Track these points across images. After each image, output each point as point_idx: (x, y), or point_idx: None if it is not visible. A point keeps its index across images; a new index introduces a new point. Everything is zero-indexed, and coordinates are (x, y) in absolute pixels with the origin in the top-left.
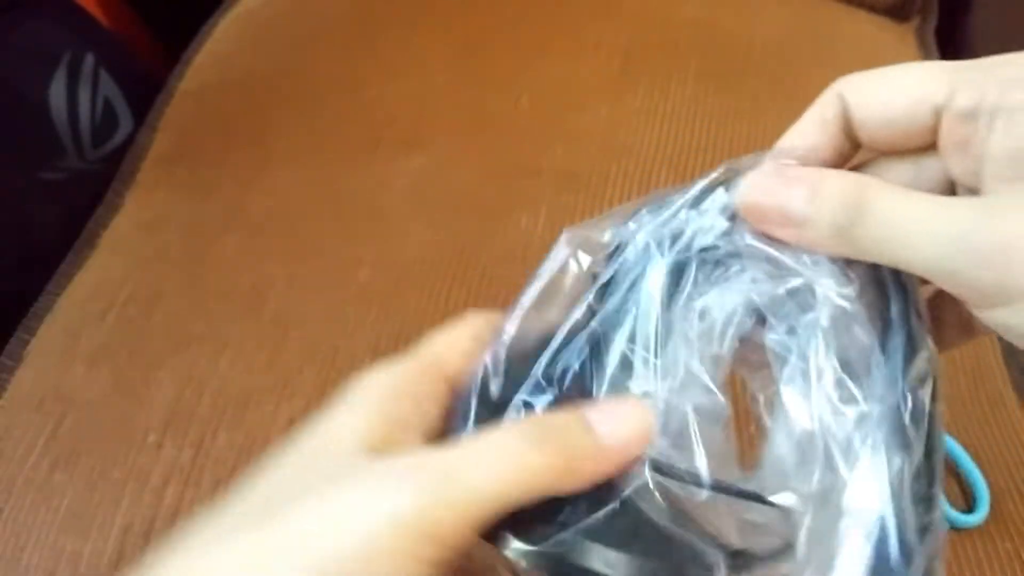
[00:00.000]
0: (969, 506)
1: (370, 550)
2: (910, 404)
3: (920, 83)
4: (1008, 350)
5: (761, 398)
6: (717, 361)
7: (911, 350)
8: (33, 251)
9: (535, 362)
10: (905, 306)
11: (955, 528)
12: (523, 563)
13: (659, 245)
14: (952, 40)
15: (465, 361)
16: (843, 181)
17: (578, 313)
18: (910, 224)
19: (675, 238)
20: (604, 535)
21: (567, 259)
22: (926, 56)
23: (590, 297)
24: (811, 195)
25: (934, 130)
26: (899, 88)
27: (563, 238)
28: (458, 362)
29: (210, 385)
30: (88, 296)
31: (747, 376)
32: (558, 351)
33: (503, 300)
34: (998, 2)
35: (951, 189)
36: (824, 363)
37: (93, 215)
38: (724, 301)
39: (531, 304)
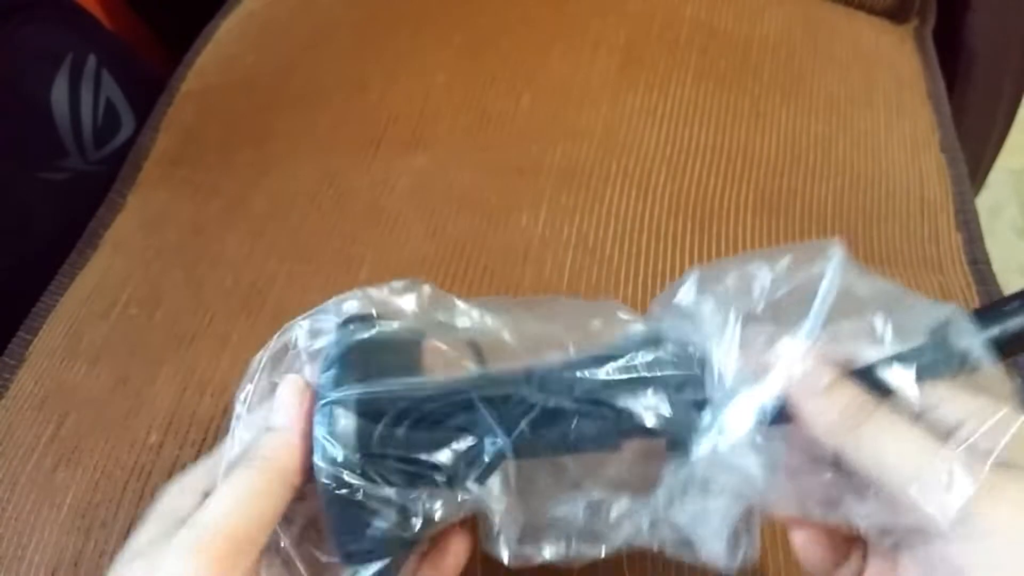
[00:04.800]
0: None
1: None
2: None
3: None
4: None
5: None
6: None
7: None
8: (35, 251)
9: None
10: None
11: None
12: None
13: None
14: (950, 41)
15: None
16: (856, 391)
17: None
18: (899, 442)
19: None
20: None
21: None
22: (924, 57)
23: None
24: (837, 383)
25: None
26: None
27: None
28: None
29: (211, 384)
30: (90, 295)
31: None
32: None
33: None
34: (996, 3)
35: None
36: None
37: (95, 215)
38: None
39: None
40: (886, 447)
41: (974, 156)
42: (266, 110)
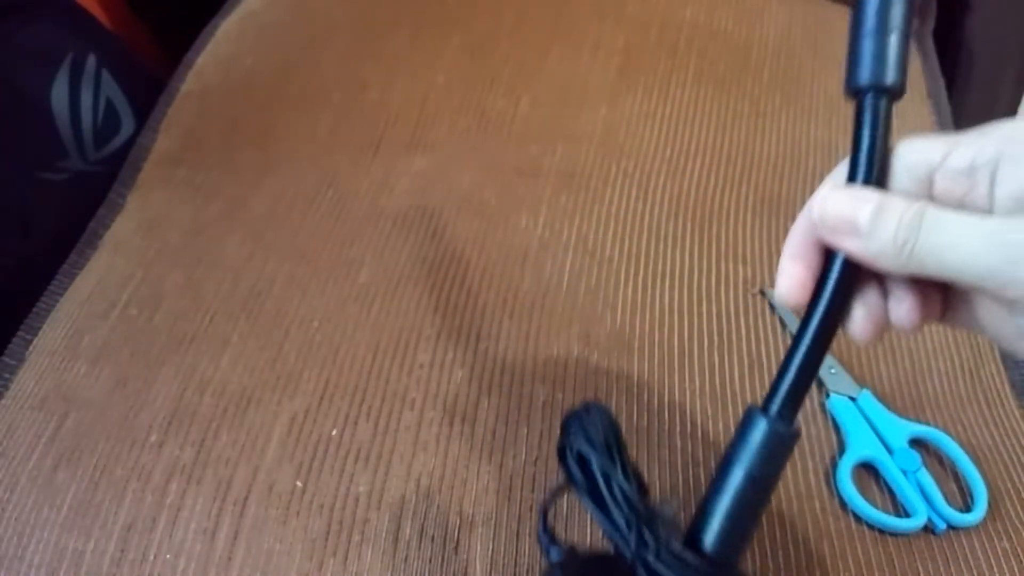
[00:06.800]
0: (967, 505)
1: None
2: None
3: (917, 149)
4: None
5: None
6: None
7: None
8: (35, 251)
9: None
10: None
11: (953, 527)
12: None
13: None
14: (950, 42)
15: None
16: (904, 202)
17: None
18: (959, 231)
19: None
20: None
21: None
22: (924, 57)
23: None
24: (877, 211)
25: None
26: (902, 153)
27: None
28: None
29: (211, 384)
30: (90, 296)
31: None
32: None
33: (503, 301)
34: (996, 4)
35: None
36: None
37: (95, 215)
38: None
39: None
40: (947, 256)
41: None
42: (266, 111)
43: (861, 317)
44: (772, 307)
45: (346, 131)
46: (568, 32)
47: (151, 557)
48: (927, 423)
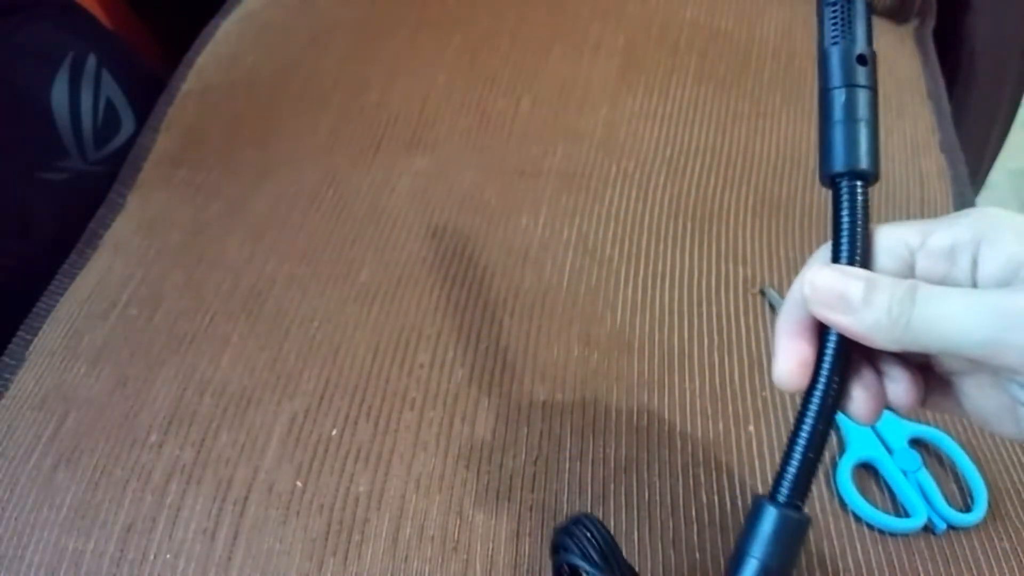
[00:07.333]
0: (967, 505)
1: None
2: None
3: (896, 234)
4: None
5: None
6: None
7: None
8: (35, 251)
9: None
10: None
11: (953, 527)
12: None
13: None
14: (951, 42)
15: None
16: (895, 279)
17: None
18: (953, 302)
19: None
20: None
21: None
22: (924, 58)
23: None
24: (869, 287)
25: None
26: (881, 237)
27: None
28: None
29: (211, 384)
30: (90, 296)
31: None
32: None
33: (504, 300)
34: (996, 4)
35: None
36: None
37: (95, 215)
38: None
39: None
40: (942, 327)
41: (974, 156)
42: (266, 111)
43: (861, 398)
44: (772, 307)
45: (347, 131)
46: (568, 32)
47: (151, 557)
48: (927, 423)
